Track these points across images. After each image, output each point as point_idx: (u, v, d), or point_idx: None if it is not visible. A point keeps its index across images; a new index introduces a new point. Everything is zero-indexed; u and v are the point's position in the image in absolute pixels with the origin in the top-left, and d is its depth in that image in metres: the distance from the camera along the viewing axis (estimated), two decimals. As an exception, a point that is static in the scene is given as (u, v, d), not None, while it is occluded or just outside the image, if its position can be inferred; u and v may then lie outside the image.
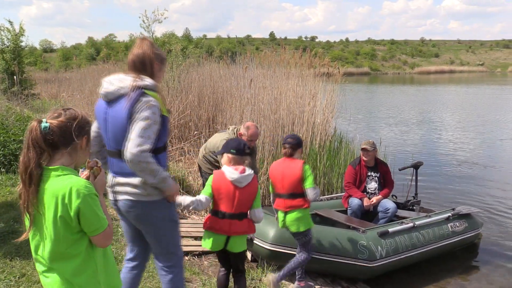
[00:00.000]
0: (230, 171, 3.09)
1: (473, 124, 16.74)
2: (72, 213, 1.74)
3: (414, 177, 6.00)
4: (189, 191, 6.45)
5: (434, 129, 15.55)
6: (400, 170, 6.18)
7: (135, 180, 2.46)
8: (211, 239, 3.14)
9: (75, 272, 1.82)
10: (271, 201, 4.03)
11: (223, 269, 3.39)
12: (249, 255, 4.70)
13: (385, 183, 5.60)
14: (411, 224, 4.73)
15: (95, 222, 1.79)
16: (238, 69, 9.53)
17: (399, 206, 5.69)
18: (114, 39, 74.52)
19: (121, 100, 2.39)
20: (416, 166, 6.01)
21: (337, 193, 6.62)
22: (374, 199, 5.42)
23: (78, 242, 1.81)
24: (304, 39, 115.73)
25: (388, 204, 5.36)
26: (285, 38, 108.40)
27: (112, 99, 2.44)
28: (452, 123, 17.13)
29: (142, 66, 2.47)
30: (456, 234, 5.11)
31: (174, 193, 2.58)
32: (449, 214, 5.19)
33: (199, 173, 5.68)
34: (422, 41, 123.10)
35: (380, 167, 5.64)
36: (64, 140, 1.80)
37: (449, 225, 5.09)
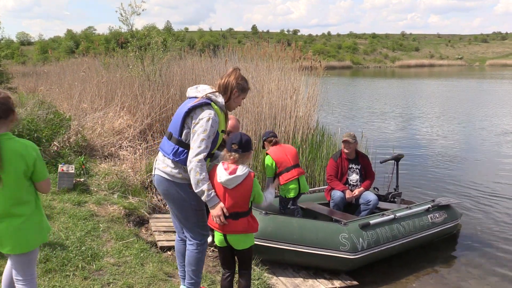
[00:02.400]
0: (220, 171, 2.95)
1: (453, 117, 17.02)
2: (30, 163, 2.39)
3: (395, 170, 6.08)
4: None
5: (415, 122, 15.77)
6: (381, 162, 6.25)
7: (169, 161, 2.99)
8: (215, 235, 3.11)
9: (30, 215, 2.45)
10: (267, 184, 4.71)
11: (226, 272, 3.21)
12: (232, 249, 4.70)
13: (366, 175, 5.66)
14: (392, 216, 4.79)
15: (44, 169, 2.49)
16: (220, 62, 9.48)
17: (381, 198, 5.75)
18: (93, 32, 73.20)
19: (192, 99, 3.00)
20: (396, 159, 6.09)
21: (319, 186, 6.66)
22: (356, 191, 5.47)
23: (30, 189, 2.46)
24: (286, 32, 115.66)
25: (370, 196, 5.41)
26: (268, 32, 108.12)
27: (190, 97, 3.07)
28: (432, 116, 17.39)
29: (224, 90, 3.06)
30: (436, 225, 5.19)
31: (215, 215, 2.90)
32: (429, 205, 5.27)
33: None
34: (402, 35, 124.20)
35: (361, 159, 5.70)
36: (3, 114, 2.38)
37: (429, 216, 5.17)
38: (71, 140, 7.33)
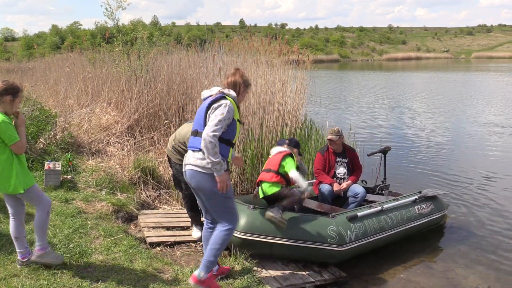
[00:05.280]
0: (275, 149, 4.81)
1: (440, 109, 17.19)
2: None
3: (382, 162, 6.13)
4: (159, 181, 6.38)
5: (402, 115, 15.89)
6: (368, 155, 6.31)
7: (200, 155, 3.38)
8: (259, 191, 4.62)
9: (2, 164, 3.36)
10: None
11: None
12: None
13: (354, 168, 5.69)
14: (379, 208, 4.83)
15: (8, 137, 3.31)
16: (208, 57, 9.42)
17: (369, 190, 5.79)
18: (79, 27, 72.19)
19: (208, 98, 3.50)
20: (384, 152, 6.14)
21: (308, 180, 6.68)
22: (344, 185, 5.51)
23: (3, 147, 3.34)
24: (274, 26, 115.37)
25: (358, 189, 5.45)
26: (255, 26, 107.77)
27: (205, 98, 3.57)
28: (419, 109, 17.54)
29: (233, 87, 3.59)
30: (423, 216, 5.26)
31: (221, 180, 3.35)
32: (416, 197, 5.33)
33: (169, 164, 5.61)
34: (390, 28, 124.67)
35: (348, 152, 5.73)
36: None
37: (416, 207, 5.23)
38: (57, 137, 7.26)
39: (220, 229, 3.53)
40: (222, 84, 3.64)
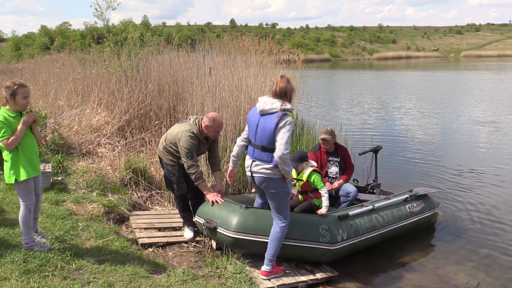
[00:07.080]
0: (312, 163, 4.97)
1: (430, 108, 17.31)
2: None
3: (373, 161, 6.16)
4: (151, 182, 6.35)
5: (393, 114, 15.98)
6: (360, 154, 6.34)
7: (268, 166, 3.89)
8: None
9: (6, 157, 3.71)
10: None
11: None
12: (213, 243, 4.71)
13: (346, 167, 5.72)
14: (370, 207, 4.86)
15: None
16: (199, 57, 9.39)
17: (360, 190, 5.82)
18: (69, 27, 71.59)
19: (271, 116, 3.82)
20: (375, 151, 6.17)
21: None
22: (336, 184, 5.53)
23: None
24: (265, 26, 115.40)
25: (349, 188, 5.48)
26: (246, 25, 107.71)
27: (265, 113, 3.87)
28: (410, 107, 17.64)
29: (284, 95, 3.87)
30: (414, 215, 5.30)
31: (289, 178, 3.96)
32: (407, 195, 5.37)
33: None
34: (380, 28, 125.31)
35: (340, 151, 5.75)
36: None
37: (407, 206, 5.27)
38: (47, 138, 7.20)
39: (279, 225, 4.02)
40: (271, 92, 3.90)
